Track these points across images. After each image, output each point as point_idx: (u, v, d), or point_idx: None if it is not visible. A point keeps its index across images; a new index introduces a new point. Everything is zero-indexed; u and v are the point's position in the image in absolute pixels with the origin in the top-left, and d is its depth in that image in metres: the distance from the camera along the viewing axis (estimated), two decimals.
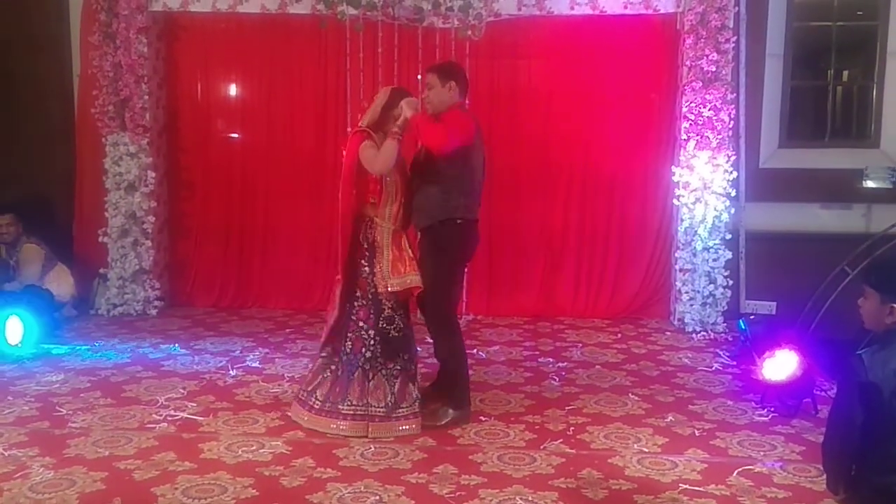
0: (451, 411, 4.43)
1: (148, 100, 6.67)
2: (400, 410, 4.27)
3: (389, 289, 4.25)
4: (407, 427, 4.26)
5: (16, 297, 6.20)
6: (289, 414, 4.46)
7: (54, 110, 7.10)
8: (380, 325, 4.28)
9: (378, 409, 4.24)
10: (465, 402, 4.51)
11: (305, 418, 4.34)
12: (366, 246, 4.30)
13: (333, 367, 4.35)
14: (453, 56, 6.61)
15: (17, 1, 6.99)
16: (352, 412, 4.24)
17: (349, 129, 4.39)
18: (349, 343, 4.31)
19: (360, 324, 4.30)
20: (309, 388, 4.39)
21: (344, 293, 4.34)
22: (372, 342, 4.27)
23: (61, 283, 6.57)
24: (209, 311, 7.01)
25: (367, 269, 4.29)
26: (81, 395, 4.83)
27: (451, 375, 4.51)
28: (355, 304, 4.32)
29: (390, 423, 4.24)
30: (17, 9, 6.99)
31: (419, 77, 6.72)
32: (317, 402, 4.32)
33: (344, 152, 4.39)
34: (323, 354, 4.43)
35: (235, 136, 7.21)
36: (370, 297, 4.29)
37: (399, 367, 4.31)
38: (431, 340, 4.59)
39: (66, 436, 4.19)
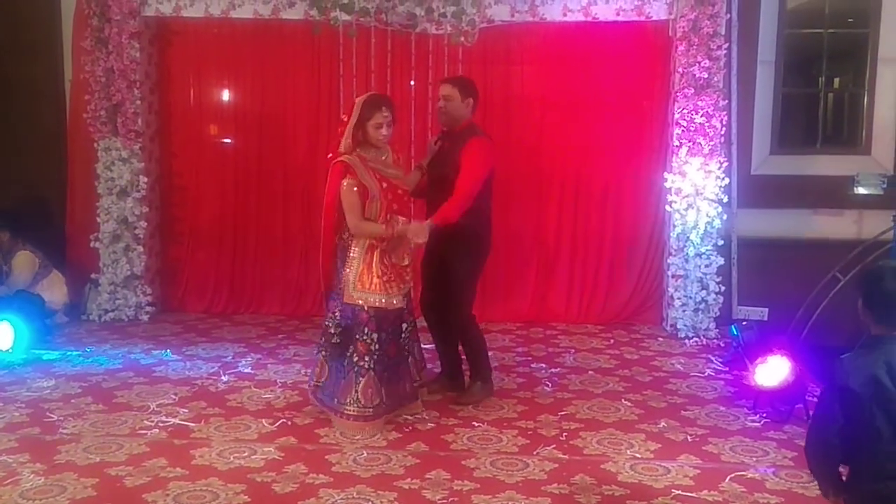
0: (479, 384, 4.84)
1: (140, 105, 6.65)
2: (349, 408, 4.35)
3: (350, 301, 4.33)
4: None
5: (6, 303, 6.19)
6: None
7: (46, 115, 7.07)
8: (342, 325, 4.41)
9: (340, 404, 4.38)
10: (490, 374, 4.94)
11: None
12: (341, 252, 4.42)
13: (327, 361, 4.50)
14: (446, 62, 6.64)
15: (8, 6, 6.97)
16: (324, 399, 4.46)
17: (329, 155, 4.46)
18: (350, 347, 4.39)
19: (332, 314, 4.45)
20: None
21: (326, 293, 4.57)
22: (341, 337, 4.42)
23: (55, 290, 6.56)
24: (201, 316, 6.99)
25: (341, 272, 4.41)
26: (72, 400, 4.81)
27: (477, 353, 4.88)
28: (333, 296, 4.49)
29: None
30: (9, 14, 6.98)
31: (412, 83, 6.77)
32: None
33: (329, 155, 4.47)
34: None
35: (228, 141, 7.20)
36: (340, 296, 4.41)
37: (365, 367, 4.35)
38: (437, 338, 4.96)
39: (57, 442, 4.17)
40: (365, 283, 4.32)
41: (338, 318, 4.40)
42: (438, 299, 4.80)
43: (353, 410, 4.32)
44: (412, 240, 4.40)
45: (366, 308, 4.31)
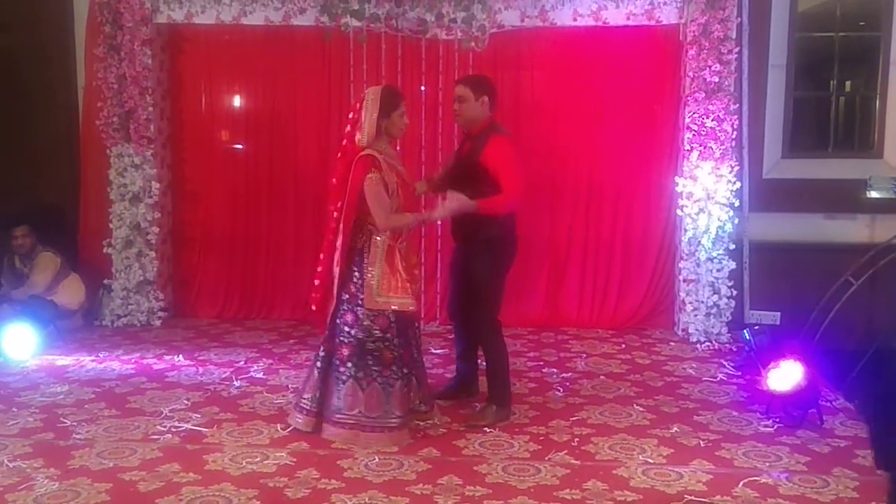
0: (495, 408, 4.62)
1: (152, 111, 6.70)
2: (392, 420, 4.27)
3: (374, 306, 4.22)
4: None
5: (19, 307, 6.23)
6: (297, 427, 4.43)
7: (59, 122, 7.12)
8: (359, 335, 4.25)
9: (370, 419, 4.25)
10: (509, 400, 4.72)
11: (300, 420, 4.39)
12: (359, 256, 4.27)
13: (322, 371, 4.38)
14: (456, 67, 6.65)
15: (22, 13, 7.02)
16: (343, 419, 4.28)
17: (344, 142, 4.33)
18: (342, 350, 4.30)
19: (346, 329, 4.28)
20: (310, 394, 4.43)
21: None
22: (358, 348, 4.27)
23: (73, 292, 6.61)
24: (213, 321, 7.02)
25: (357, 277, 4.26)
26: (86, 406, 4.83)
27: (499, 374, 4.69)
28: (341, 308, 4.30)
29: (380, 434, 4.26)
30: (23, 21, 7.03)
31: (422, 88, 6.78)
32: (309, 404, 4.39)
33: (339, 155, 4.36)
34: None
35: (239, 146, 7.23)
36: (357, 303, 4.26)
37: (394, 377, 4.28)
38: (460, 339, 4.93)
39: (71, 447, 4.19)
40: (391, 286, 4.23)
41: (355, 329, 4.26)
42: (465, 302, 4.73)
43: (396, 422, 4.26)
44: (448, 204, 4.30)
45: (388, 313, 4.23)
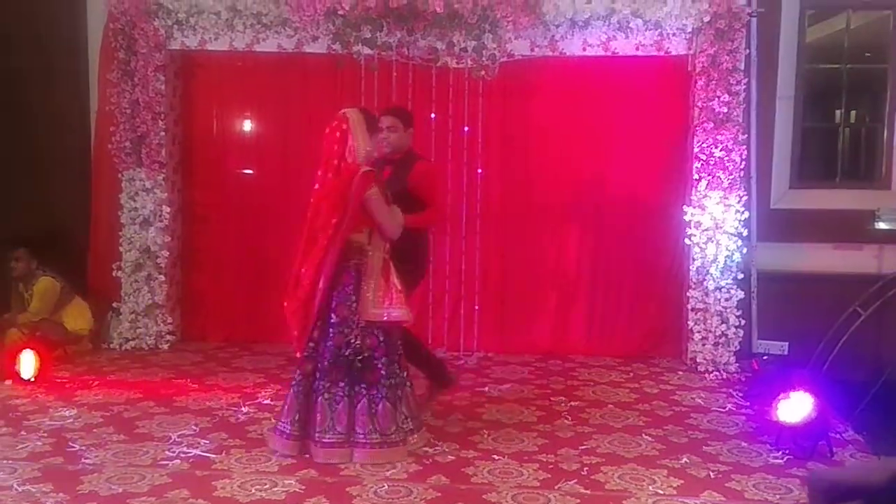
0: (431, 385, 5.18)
1: (164, 136, 6.75)
2: (387, 437, 4.37)
3: (371, 318, 4.35)
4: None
5: (28, 330, 6.25)
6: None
7: (72, 146, 7.17)
8: (350, 355, 4.35)
9: (364, 436, 4.35)
10: (440, 372, 5.23)
11: (282, 444, 4.45)
12: (354, 273, 4.38)
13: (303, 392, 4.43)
14: (466, 95, 6.69)
15: (36, 38, 7.09)
16: (334, 440, 4.35)
17: (336, 161, 4.44)
18: (331, 370, 4.36)
19: (336, 349, 4.37)
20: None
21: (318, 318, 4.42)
22: (348, 367, 4.36)
23: (78, 316, 6.61)
24: (221, 345, 7.02)
25: (352, 298, 4.37)
26: (94, 430, 4.83)
27: (425, 364, 5.16)
28: (330, 330, 4.39)
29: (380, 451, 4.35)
30: (37, 44, 7.10)
31: (433, 116, 6.82)
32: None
33: (330, 175, 4.43)
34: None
35: (249, 172, 7.27)
36: (348, 324, 4.36)
37: (379, 395, 4.38)
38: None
39: (80, 472, 4.19)
40: (388, 298, 4.38)
41: (347, 349, 4.34)
42: None
43: (400, 437, 4.42)
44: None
45: (377, 331, 4.38)
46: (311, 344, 4.44)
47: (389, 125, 4.92)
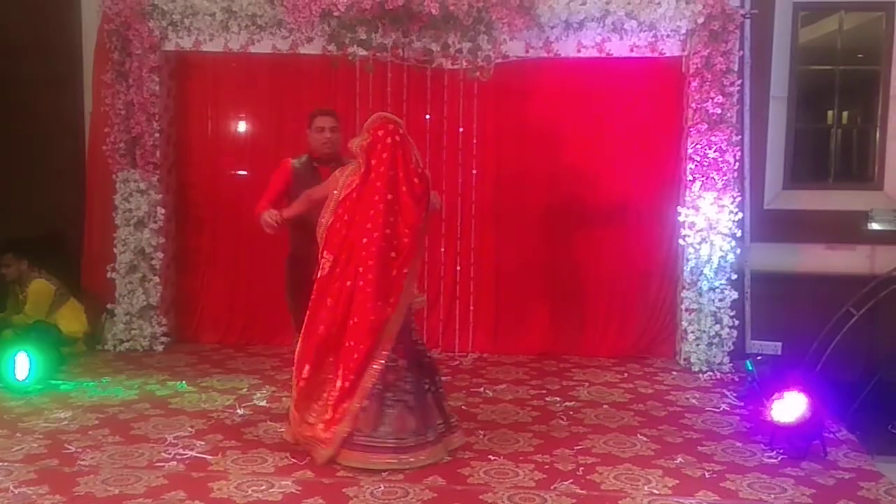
0: None
1: (159, 137, 6.73)
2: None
3: (418, 307, 4.57)
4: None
5: (24, 333, 6.24)
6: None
7: (66, 147, 7.15)
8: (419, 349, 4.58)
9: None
10: None
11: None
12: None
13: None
14: (461, 96, 6.71)
15: (31, 39, 7.09)
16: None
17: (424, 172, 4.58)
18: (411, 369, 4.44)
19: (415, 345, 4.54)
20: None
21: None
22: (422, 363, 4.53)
23: (73, 318, 6.60)
24: (215, 347, 7.01)
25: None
26: (90, 432, 4.83)
27: None
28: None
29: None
30: (31, 47, 7.09)
31: (427, 117, 6.84)
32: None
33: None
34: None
35: (244, 173, 7.27)
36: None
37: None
38: None
39: (76, 473, 4.19)
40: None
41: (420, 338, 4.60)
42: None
43: (427, 438, 4.44)
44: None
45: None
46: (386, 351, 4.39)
47: (333, 125, 5.00)
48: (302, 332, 4.50)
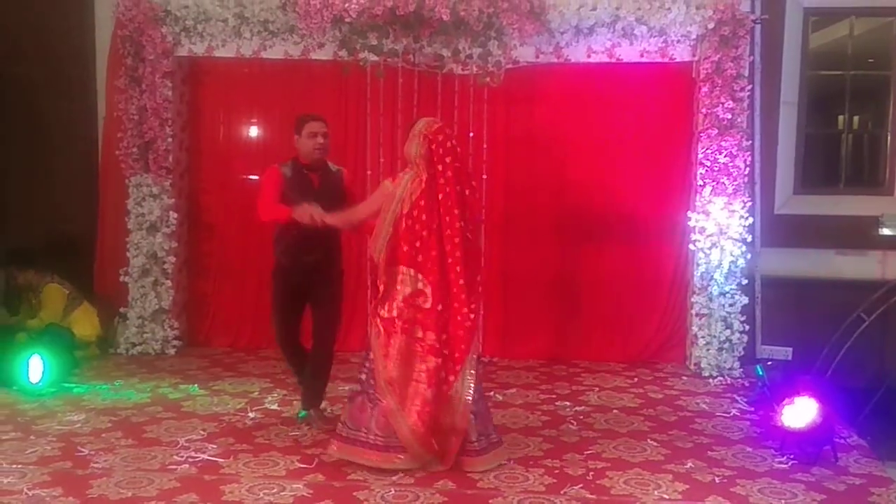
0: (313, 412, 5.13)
1: (171, 142, 6.79)
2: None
3: None
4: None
5: (37, 336, 6.29)
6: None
7: (79, 152, 7.22)
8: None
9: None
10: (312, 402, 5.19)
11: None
12: None
13: None
14: (471, 102, 6.73)
15: (45, 45, 7.16)
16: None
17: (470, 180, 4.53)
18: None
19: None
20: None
21: None
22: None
23: (86, 322, 6.65)
24: (226, 350, 7.05)
25: None
26: (103, 435, 4.87)
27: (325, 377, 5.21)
28: None
29: None
30: (45, 53, 7.17)
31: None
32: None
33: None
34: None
35: (255, 178, 7.29)
36: None
37: None
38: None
39: (89, 476, 4.22)
40: None
41: None
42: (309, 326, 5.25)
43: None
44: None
45: None
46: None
47: (325, 131, 4.95)
48: (385, 363, 4.34)
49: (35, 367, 5.71)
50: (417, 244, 4.29)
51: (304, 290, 5.00)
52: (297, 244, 4.85)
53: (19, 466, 4.33)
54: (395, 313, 4.32)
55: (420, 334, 4.31)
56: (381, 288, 4.40)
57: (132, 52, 6.67)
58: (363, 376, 4.44)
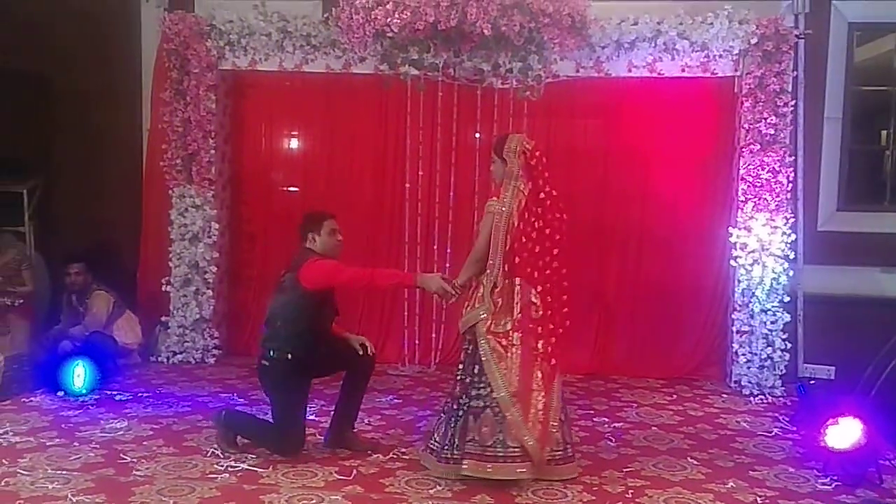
0: None
1: (214, 154, 6.90)
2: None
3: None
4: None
5: (81, 343, 6.39)
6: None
7: (125, 163, 7.37)
8: None
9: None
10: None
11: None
12: None
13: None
14: (511, 115, 6.73)
15: (93, 57, 7.33)
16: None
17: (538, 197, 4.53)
18: None
19: None
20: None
21: None
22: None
23: (128, 330, 6.75)
24: None
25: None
26: (144, 442, 4.93)
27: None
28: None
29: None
30: (94, 65, 7.34)
31: (477, 135, 6.89)
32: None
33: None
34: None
35: (295, 189, 7.38)
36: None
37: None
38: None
39: (132, 483, 4.27)
40: None
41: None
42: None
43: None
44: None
45: None
46: None
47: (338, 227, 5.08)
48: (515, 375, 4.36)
49: (79, 374, 5.80)
50: (528, 256, 4.42)
51: (312, 370, 4.93)
52: (319, 331, 4.83)
53: (64, 472, 4.39)
54: (511, 325, 4.40)
55: (534, 344, 4.40)
56: (500, 302, 4.43)
57: (177, 66, 6.79)
58: (479, 391, 4.36)
